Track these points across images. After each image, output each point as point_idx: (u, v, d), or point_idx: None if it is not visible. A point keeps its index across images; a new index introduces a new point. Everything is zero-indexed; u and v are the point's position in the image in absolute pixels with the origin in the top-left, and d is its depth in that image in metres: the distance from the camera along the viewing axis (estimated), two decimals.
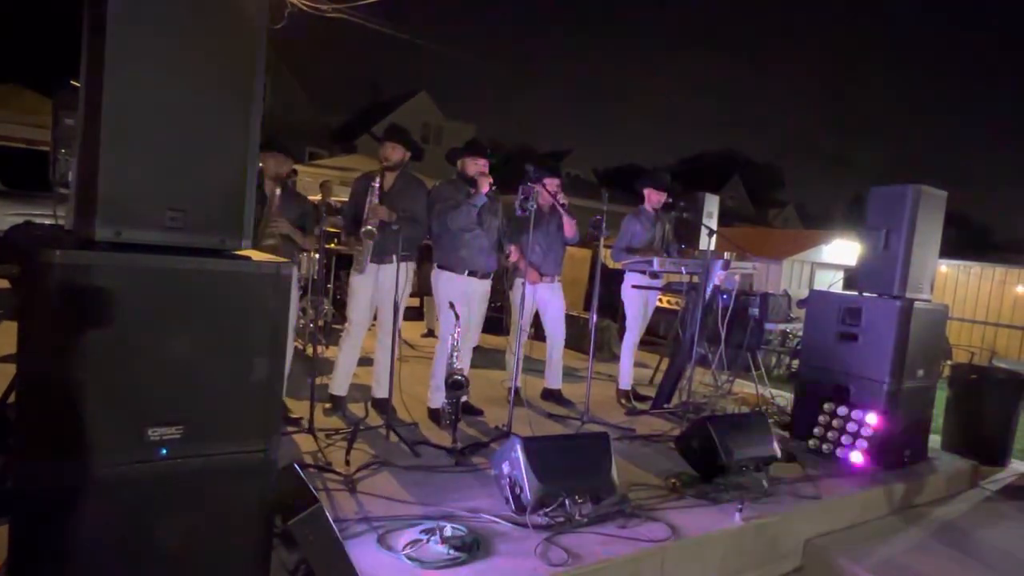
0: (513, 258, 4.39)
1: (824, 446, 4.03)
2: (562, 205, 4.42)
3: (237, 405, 1.85)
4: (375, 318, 4.11)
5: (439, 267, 4.14)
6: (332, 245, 6.28)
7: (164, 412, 1.74)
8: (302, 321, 4.21)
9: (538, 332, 5.02)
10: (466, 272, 4.08)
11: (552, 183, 4.49)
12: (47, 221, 6.38)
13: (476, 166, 4.07)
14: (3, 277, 5.76)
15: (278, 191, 3.70)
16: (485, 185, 3.97)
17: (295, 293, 3.87)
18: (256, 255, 1.95)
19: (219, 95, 1.81)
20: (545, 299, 4.70)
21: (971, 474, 4.37)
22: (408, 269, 4.00)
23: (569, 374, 5.85)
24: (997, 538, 3.55)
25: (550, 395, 4.89)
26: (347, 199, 4.08)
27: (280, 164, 3.80)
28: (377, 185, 3.83)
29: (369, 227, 3.75)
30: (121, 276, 1.66)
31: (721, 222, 5.21)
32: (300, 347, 4.40)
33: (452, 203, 4.00)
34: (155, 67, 1.71)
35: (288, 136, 3.89)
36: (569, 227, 4.56)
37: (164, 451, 1.74)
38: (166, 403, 1.74)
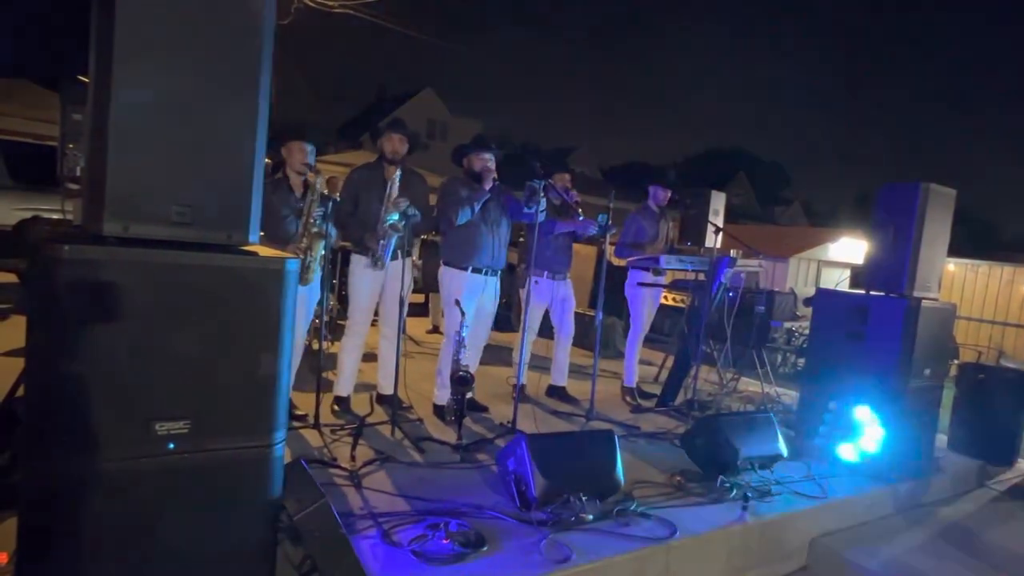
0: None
1: (830, 445, 4.01)
2: (575, 203, 4.41)
3: (244, 400, 1.85)
4: (375, 314, 4.11)
5: (445, 263, 4.13)
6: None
7: (171, 407, 1.74)
8: (317, 320, 4.19)
9: (544, 329, 5.03)
10: (471, 269, 4.07)
11: (562, 179, 4.49)
12: (55, 216, 6.42)
13: (481, 161, 4.06)
14: (11, 271, 5.79)
15: (319, 186, 3.55)
16: (489, 180, 3.97)
17: (317, 293, 3.82)
18: (263, 250, 1.95)
19: (227, 91, 1.80)
20: (556, 297, 4.69)
21: (978, 474, 4.35)
22: (409, 264, 3.98)
23: (574, 371, 5.84)
24: (1004, 538, 3.53)
25: (555, 392, 4.89)
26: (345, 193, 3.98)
27: (306, 154, 3.68)
28: (398, 179, 3.81)
29: (394, 222, 3.75)
30: (129, 271, 1.66)
31: (727, 219, 5.19)
32: (307, 343, 4.40)
33: (455, 199, 3.99)
34: (163, 63, 1.71)
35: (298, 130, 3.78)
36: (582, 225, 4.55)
37: (171, 445, 1.75)
38: (173, 398, 1.74)
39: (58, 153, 3.62)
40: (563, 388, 4.88)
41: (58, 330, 1.62)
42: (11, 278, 6.36)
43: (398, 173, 3.80)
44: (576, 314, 4.80)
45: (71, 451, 1.64)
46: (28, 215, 6.72)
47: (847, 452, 3.92)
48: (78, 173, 3.51)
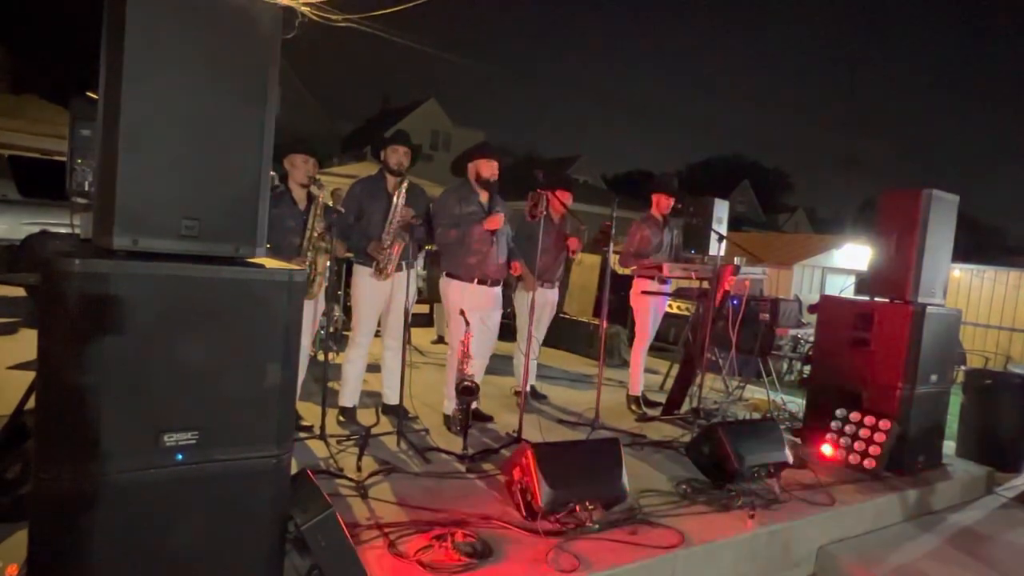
0: (516, 272, 4.41)
1: (836, 452, 4.00)
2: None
3: (251, 411, 1.87)
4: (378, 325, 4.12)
5: (448, 275, 4.14)
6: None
7: (180, 418, 1.76)
8: (322, 331, 4.22)
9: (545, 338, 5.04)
10: (475, 280, 4.08)
11: (565, 196, 4.54)
12: (62, 230, 6.47)
13: (490, 168, 4.08)
14: (20, 285, 5.84)
15: (321, 198, 3.59)
16: (498, 222, 4.01)
17: (321, 304, 3.83)
18: (270, 263, 1.97)
19: (234, 105, 1.84)
20: (540, 304, 4.73)
21: (986, 480, 4.33)
22: (413, 275, 4.00)
23: (579, 380, 5.85)
24: (1014, 545, 3.51)
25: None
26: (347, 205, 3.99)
27: (309, 167, 3.72)
28: (404, 189, 3.84)
29: (402, 230, 3.78)
30: (138, 284, 1.69)
31: (731, 227, 5.20)
32: (312, 353, 4.42)
33: (453, 221, 4.01)
34: (172, 79, 1.74)
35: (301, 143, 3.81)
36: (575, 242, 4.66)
37: (180, 456, 1.76)
38: (182, 409, 1.76)
39: (67, 168, 3.65)
40: (532, 387, 4.99)
41: (68, 343, 1.65)
42: (20, 292, 6.42)
43: (405, 184, 3.83)
44: (581, 323, 4.82)
45: (81, 463, 1.65)
46: (36, 230, 6.78)
47: (854, 460, 3.91)
48: (86, 188, 3.54)
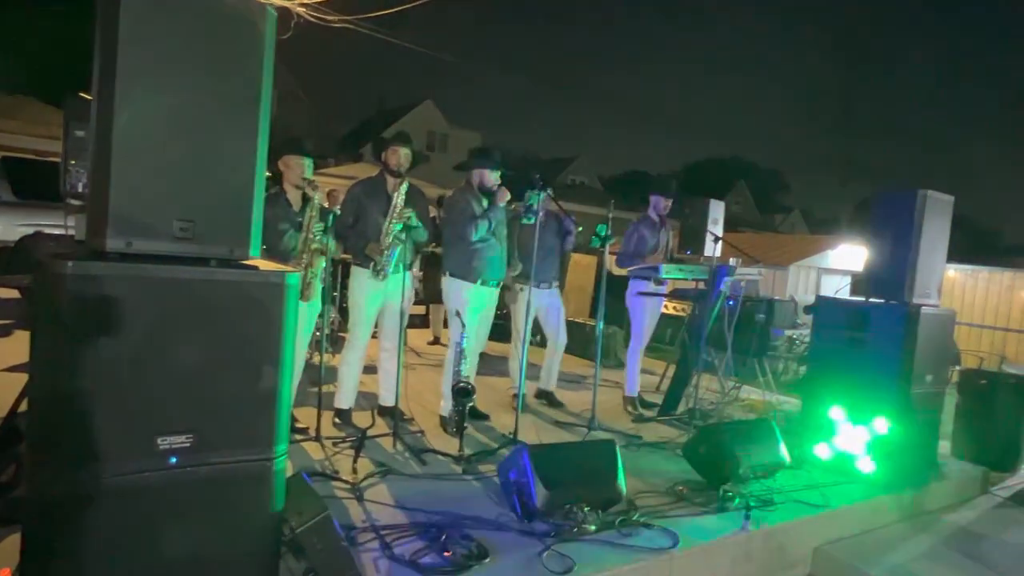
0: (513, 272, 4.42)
1: (832, 453, 4.01)
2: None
3: (246, 413, 1.86)
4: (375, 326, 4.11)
5: (451, 275, 4.14)
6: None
7: (174, 421, 1.75)
8: (317, 332, 4.19)
9: (540, 338, 5.03)
10: (479, 281, 4.09)
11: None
12: (57, 232, 6.45)
13: (492, 179, 4.10)
14: (14, 287, 5.82)
15: (316, 199, 3.58)
16: (503, 197, 4.03)
17: (317, 306, 3.82)
18: (264, 264, 1.96)
19: (228, 106, 1.83)
20: (544, 306, 4.73)
21: (982, 480, 4.34)
22: (410, 276, 4.00)
23: (576, 381, 5.85)
24: (1009, 544, 3.52)
25: (543, 395, 5.01)
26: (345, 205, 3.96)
27: (303, 168, 3.70)
28: (404, 191, 3.85)
29: (400, 232, 3.78)
30: (132, 286, 1.68)
31: (726, 228, 5.20)
32: (308, 356, 4.40)
33: (469, 215, 4.02)
34: (166, 80, 1.73)
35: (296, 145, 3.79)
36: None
37: (174, 459, 1.75)
38: (176, 412, 1.75)
39: (61, 169, 3.64)
40: (550, 392, 5.00)
41: (61, 345, 1.64)
42: (14, 294, 6.39)
43: (405, 185, 3.83)
44: (576, 324, 4.82)
45: (74, 466, 1.64)
46: (31, 231, 6.75)
47: (849, 459, 3.91)
48: (80, 189, 3.54)
